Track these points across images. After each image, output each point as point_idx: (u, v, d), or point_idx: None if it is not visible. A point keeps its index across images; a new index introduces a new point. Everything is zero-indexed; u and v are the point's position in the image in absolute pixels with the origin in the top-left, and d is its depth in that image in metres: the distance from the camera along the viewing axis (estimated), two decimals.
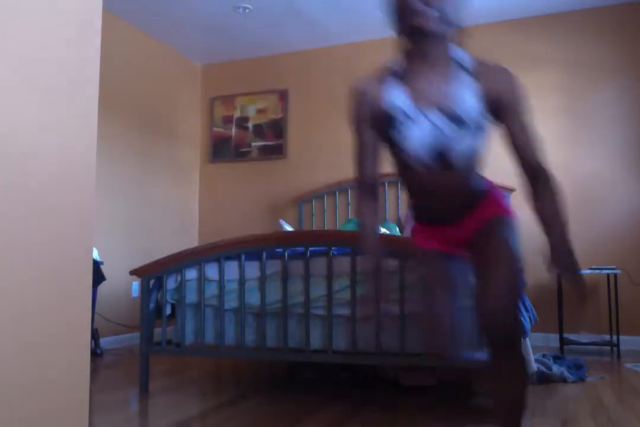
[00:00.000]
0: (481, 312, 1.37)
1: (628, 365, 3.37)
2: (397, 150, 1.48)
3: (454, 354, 1.53)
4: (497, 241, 1.48)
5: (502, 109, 1.42)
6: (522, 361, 1.43)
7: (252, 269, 2.64)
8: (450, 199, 1.52)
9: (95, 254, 3.76)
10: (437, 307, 1.54)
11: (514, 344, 1.39)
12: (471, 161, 1.47)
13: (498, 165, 4.46)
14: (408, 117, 1.42)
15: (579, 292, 1.38)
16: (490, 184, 1.60)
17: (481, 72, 1.45)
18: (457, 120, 1.39)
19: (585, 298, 1.38)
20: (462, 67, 1.46)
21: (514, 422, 1.42)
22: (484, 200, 1.56)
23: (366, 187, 1.56)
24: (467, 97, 1.40)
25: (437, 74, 1.44)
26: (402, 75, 1.48)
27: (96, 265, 3.64)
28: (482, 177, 1.58)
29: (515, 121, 1.42)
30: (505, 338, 1.36)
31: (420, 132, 1.41)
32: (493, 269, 1.41)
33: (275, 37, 4.89)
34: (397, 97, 1.44)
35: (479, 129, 1.42)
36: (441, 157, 1.43)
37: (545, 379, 2.88)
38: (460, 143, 1.40)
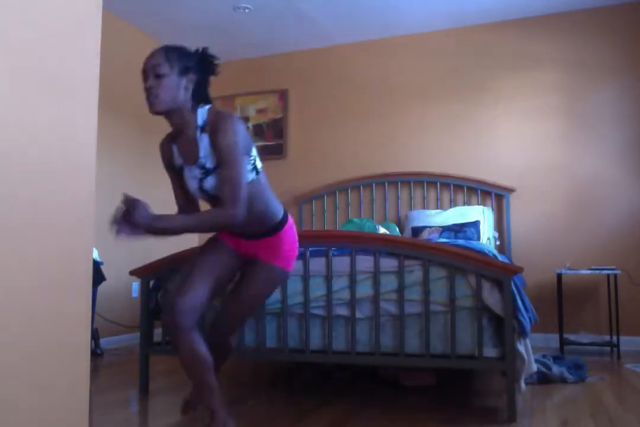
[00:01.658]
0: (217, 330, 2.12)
1: (628, 365, 3.37)
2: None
3: (177, 318, 1.85)
4: (254, 289, 2.03)
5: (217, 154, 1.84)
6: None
7: None
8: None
9: (95, 254, 3.76)
10: (192, 277, 1.93)
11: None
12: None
13: (497, 165, 4.46)
14: (182, 169, 1.98)
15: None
16: (283, 226, 2.01)
17: (210, 124, 1.84)
18: (204, 169, 1.88)
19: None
20: (201, 128, 1.86)
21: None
22: (272, 238, 2.00)
23: (179, 209, 2.12)
24: (204, 152, 1.86)
25: (187, 138, 1.90)
26: (175, 139, 1.98)
27: (96, 265, 3.64)
28: (275, 216, 1.99)
29: (221, 166, 1.82)
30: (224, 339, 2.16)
31: (189, 179, 1.96)
32: (237, 308, 2.06)
33: (275, 37, 4.89)
34: (175, 155, 1.99)
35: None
36: (204, 193, 1.94)
37: (545, 379, 2.88)
38: (207, 183, 1.89)
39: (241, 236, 2.03)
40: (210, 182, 1.89)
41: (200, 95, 1.88)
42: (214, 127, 1.81)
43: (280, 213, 2.01)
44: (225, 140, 1.78)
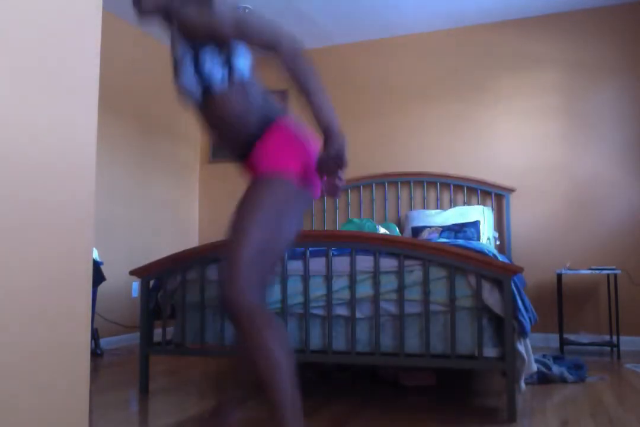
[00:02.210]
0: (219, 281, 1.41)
1: (628, 365, 3.37)
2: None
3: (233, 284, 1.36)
4: (244, 208, 1.42)
5: (186, 31, 1.49)
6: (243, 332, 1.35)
7: None
8: (218, 129, 1.58)
9: (95, 254, 3.76)
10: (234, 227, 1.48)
11: (233, 315, 1.34)
12: (212, 88, 1.51)
13: (497, 165, 4.46)
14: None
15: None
16: (278, 122, 1.52)
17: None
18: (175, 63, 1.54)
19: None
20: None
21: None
22: (263, 140, 1.51)
23: None
24: (175, 40, 1.53)
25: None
26: None
27: (96, 265, 3.64)
28: (269, 114, 1.53)
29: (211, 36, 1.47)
30: (226, 308, 1.35)
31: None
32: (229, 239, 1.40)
33: None
34: None
35: (194, 57, 1.50)
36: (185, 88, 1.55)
37: (545, 379, 2.88)
38: (183, 72, 1.51)
39: (241, 159, 1.62)
40: (185, 77, 1.53)
41: None
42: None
43: (270, 117, 1.54)
44: (186, 13, 1.47)
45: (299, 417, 1.37)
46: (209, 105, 1.55)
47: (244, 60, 1.53)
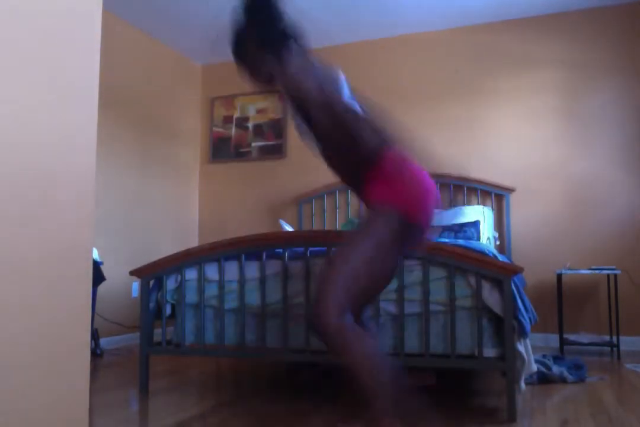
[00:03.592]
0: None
1: (628, 365, 3.37)
2: None
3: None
4: (350, 237, 1.60)
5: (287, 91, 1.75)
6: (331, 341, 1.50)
7: (252, 269, 2.64)
8: (330, 159, 1.80)
9: (95, 254, 3.76)
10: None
11: (318, 330, 1.51)
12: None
13: (497, 165, 4.46)
14: None
15: None
16: (386, 154, 1.64)
17: None
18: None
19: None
20: None
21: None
22: (374, 172, 1.63)
23: None
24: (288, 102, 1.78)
25: None
26: None
27: (96, 265, 3.64)
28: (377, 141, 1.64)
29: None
30: (313, 325, 1.52)
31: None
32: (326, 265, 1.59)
33: None
34: None
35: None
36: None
37: (545, 379, 2.88)
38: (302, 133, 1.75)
39: (357, 194, 1.81)
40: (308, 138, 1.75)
41: (272, 40, 1.72)
42: None
43: (374, 144, 1.65)
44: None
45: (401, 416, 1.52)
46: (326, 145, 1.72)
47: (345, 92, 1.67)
